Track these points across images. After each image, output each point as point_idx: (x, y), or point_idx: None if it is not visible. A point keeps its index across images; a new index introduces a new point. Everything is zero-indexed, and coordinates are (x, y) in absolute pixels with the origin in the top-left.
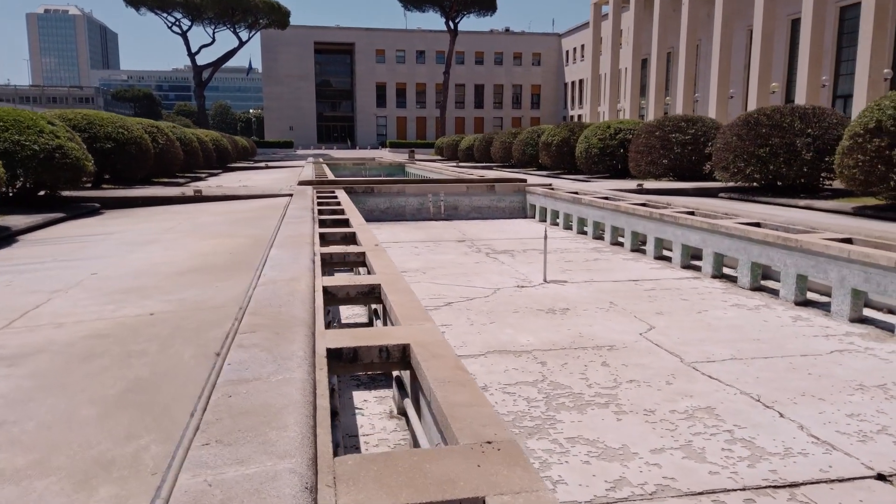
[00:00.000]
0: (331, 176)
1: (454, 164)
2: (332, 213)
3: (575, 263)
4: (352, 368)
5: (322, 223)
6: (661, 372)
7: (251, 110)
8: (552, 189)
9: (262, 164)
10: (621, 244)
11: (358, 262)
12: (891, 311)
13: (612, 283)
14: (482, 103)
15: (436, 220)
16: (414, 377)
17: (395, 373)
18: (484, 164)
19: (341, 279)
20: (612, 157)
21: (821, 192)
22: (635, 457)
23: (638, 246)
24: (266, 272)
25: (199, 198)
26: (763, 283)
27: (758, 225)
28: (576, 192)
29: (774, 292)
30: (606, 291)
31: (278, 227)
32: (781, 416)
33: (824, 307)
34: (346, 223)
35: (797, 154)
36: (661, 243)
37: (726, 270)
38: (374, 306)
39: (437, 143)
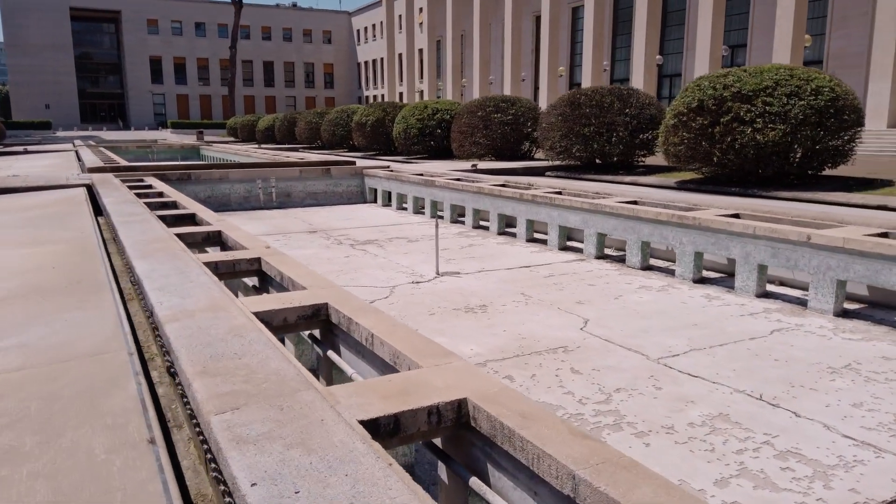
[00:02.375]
0: (122, 161)
1: (255, 147)
2: (167, 207)
3: (452, 251)
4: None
5: (163, 220)
6: (639, 374)
7: None
8: (395, 171)
9: (20, 149)
10: (484, 227)
11: (251, 269)
12: (783, 283)
13: (506, 271)
14: (273, 81)
15: (268, 208)
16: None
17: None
18: (289, 146)
19: (267, 301)
20: (431, 137)
21: (636, 169)
22: (708, 495)
23: (503, 229)
24: (159, 298)
25: None
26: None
27: (635, 203)
28: (421, 174)
29: (664, 270)
30: (508, 281)
31: (101, 228)
32: (797, 415)
33: (721, 283)
34: (193, 219)
35: (617, 133)
36: (532, 225)
37: (606, 250)
38: (311, 333)
39: (231, 123)
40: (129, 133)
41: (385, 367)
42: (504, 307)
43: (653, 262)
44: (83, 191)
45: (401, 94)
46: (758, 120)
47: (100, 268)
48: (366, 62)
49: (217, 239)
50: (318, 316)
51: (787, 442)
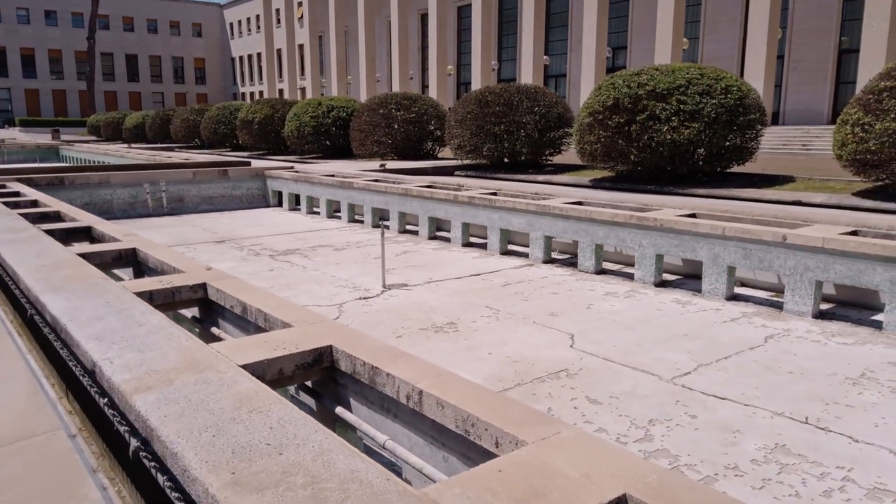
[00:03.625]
0: None
1: (126, 147)
2: (49, 219)
3: (388, 260)
4: None
5: (52, 235)
6: (663, 400)
7: None
8: (303, 172)
9: None
10: (412, 232)
11: (193, 298)
12: (744, 284)
13: (455, 280)
14: (137, 76)
15: (157, 215)
16: None
17: None
18: (163, 146)
19: (251, 347)
20: (326, 136)
21: (544, 168)
22: None
23: (434, 233)
24: (105, 353)
25: None
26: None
27: (579, 203)
28: (332, 175)
29: (619, 274)
30: (464, 293)
31: None
32: (854, 440)
33: (683, 286)
34: (88, 233)
35: (527, 131)
36: (467, 229)
37: (553, 254)
38: (306, 382)
39: (92, 120)
40: None
41: (461, 444)
42: (475, 323)
43: (605, 265)
44: None
45: (281, 90)
46: (673, 118)
47: None
48: (240, 57)
49: (131, 259)
50: (321, 363)
51: (867, 476)
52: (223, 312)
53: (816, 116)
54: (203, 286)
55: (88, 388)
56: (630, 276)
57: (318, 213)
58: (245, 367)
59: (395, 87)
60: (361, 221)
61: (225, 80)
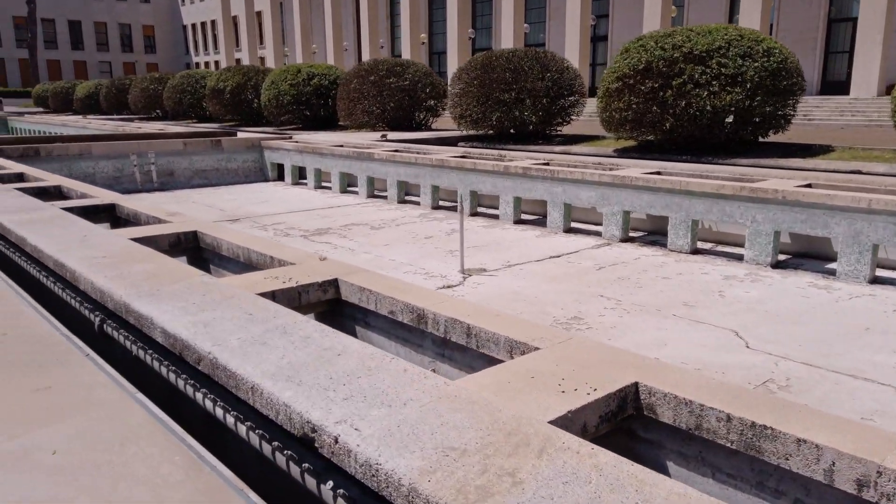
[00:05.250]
0: None
1: (80, 117)
2: (51, 195)
3: (439, 240)
4: None
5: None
6: None
7: None
8: (309, 143)
9: None
10: (446, 208)
11: (323, 300)
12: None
13: (536, 264)
14: (81, 44)
15: (147, 190)
16: None
17: None
18: (121, 117)
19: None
20: (306, 105)
21: (554, 139)
22: None
23: (475, 209)
24: (344, 420)
25: None
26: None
27: (657, 174)
28: (341, 145)
29: (716, 254)
30: (559, 279)
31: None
32: None
33: (800, 267)
34: (112, 211)
35: (538, 99)
36: (519, 204)
37: (596, 227)
38: None
39: (38, 90)
40: None
41: None
42: (603, 318)
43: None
44: None
45: (238, 60)
46: (713, 82)
47: (26, 313)
48: (193, 25)
49: (191, 244)
50: (624, 410)
51: None
52: (365, 317)
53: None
54: (334, 283)
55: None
56: (729, 256)
57: (328, 188)
58: (553, 422)
59: (365, 57)
60: (381, 197)
61: (177, 49)
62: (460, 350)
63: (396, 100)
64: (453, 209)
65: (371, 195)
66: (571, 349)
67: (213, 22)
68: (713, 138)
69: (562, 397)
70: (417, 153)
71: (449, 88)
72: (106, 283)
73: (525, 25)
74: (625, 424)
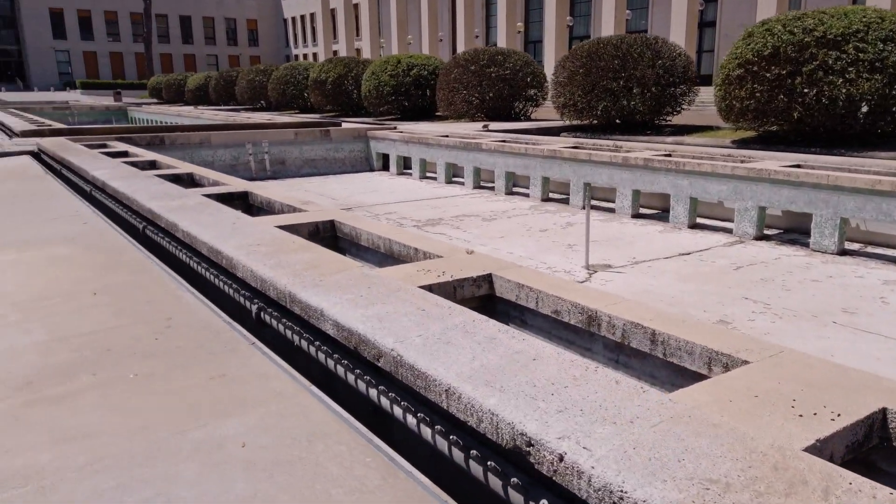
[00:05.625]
0: (57, 124)
1: (193, 108)
2: (182, 181)
3: (555, 233)
4: None
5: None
6: None
7: None
8: (415, 134)
9: None
10: (556, 201)
11: (476, 296)
12: None
13: (665, 261)
14: (191, 38)
15: (260, 178)
16: None
17: None
18: (228, 108)
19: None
20: (405, 95)
21: (663, 129)
22: None
23: (583, 202)
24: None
25: None
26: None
27: (798, 166)
28: (447, 136)
29: (864, 255)
30: (694, 279)
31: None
32: None
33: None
34: (245, 199)
35: (647, 87)
36: (638, 197)
37: (723, 223)
38: None
39: (153, 82)
40: (33, 94)
41: None
42: (753, 323)
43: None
44: (29, 160)
45: (335, 52)
46: (850, 69)
47: (184, 298)
48: (293, 18)
49: (328, 234)
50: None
51: None
52: (522, 314)
53: None
54: (487, 278)
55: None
56: (884, 258)
57: (432, 178)
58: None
59: (460, 47)
60: (487, 188)
61: (278, 42)
62: (639, 357)
63: (497, 89)
64: (563, 202)
65: (477, 186)
66: (788, 365)
67: (311, 15)
68: (846, 129)
69: (801, 422)
70: (526, 143)
71: (552, 77)
72: (267, 272)
73: (627, 12)
74: (862, 455)
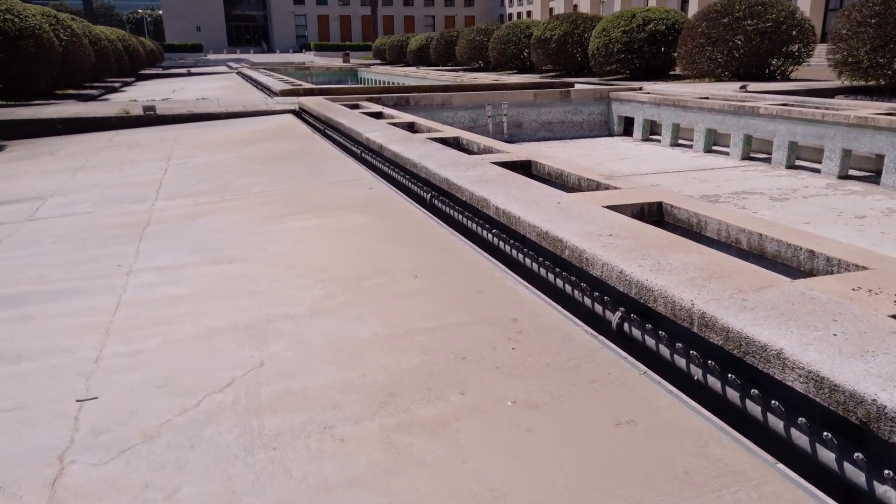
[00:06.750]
0: (306, 84)
1: (415, 69)
2: (459, 146)
3: (878, 222)
4: None
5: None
6: None
7: (140, 10)
8: (665, 95)
9: (184, 71)
10: (856, 178)
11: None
12: None
13: None
14: (412, 0)
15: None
16: None
17: None
18: (448, 68)
19: None
20: (637, 53)
21: None
22: None
23: None
24: None
25: (150, 119)
26: None
27: None
28: (706, 98)
29: None
30: None
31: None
32: None
33: None
34: (527, 168)
35: None
36: None
37: None
38: None
39: (377, 44)
40: (275, 56)
41: None
42: None
43: None
44: (292, 118)
45: (551, 9)
46: None
47: (505, 284)
48: None
49: (654, 218)
50: None
51: None
52: None
53: None
54: None
55: None
56: None
57: (685, 146)
58: None
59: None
60: (757, 159)
61: (493, 1)
62: None
63: (753, 45)
64: (866, 180)
65: (746, 157)
66: None
67: None
68: None
69: None
70: (816, 108)
71: (833, 27)
72: (648, 277)
73: None
74: None
